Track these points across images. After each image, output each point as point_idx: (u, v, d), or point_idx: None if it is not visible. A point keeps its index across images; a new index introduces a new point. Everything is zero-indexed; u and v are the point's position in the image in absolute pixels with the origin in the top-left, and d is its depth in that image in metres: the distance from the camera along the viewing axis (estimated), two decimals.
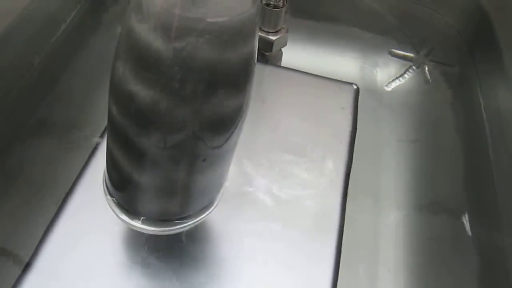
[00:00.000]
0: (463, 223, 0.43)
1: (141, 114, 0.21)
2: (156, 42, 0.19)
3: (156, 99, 0.20)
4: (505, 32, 0.47)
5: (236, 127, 0.22)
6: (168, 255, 0.31)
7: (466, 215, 0.43)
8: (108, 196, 0.27)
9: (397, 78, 0.54)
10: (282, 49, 0.45)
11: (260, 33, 0.43)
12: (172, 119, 0.21)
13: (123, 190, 0.26)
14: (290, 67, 0.43)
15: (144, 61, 0.20)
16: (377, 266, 0.41)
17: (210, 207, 0.28)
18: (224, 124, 0.22)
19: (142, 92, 0.20)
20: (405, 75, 0.54)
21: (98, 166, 0.34)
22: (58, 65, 0.48)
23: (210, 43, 0.19)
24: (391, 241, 0.42)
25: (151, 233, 0.28)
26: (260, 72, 0.43)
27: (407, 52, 0.55)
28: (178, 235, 0.32)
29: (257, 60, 0.44)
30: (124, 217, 0.27)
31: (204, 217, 0.28)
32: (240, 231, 0.33)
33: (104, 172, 0.27)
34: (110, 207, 0.28)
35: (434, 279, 0.41)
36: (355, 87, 0.42)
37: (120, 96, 0.21)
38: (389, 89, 0.53)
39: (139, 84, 0.20)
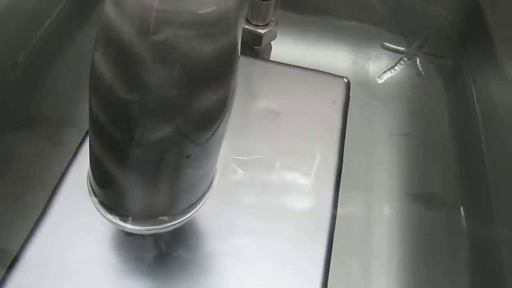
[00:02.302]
0: (456, 216, 0.43)
1: (121, 110, 0.20)
2: (134, 36, 0.18)
3: (136, 95, 0.20)
4: (499, 24, 0.47)
5: (221, 122, 0.22)
6: (157, 253, 0.31)
7: (460, 208, 0.43)
8: (93, 197, 0.27)
9: (388, 70, 0.53)
10: (272, 43, 0.45)
11: (249, 27, 0.42)
12: (153, 115, 0.20)
13: (107, 190, 0.26)
14: (280, 61, 0.43)
15: (122, 56, 0.19)
16: (370, 261, 0.41)
17: (199, 204, 0.27)
18: (208, 119, 0.21)
19: (121, 87, 0.20)
20: (397, 67, 0.53)
21: (85, 163, 0.33)
22: (44, 61, 0.47)
23: (190, 36, 0.18)
24: (384, 236, 0.42)
25: (138, 232, 0.27)
26: (249, 66, 0.42)
27: (399, 45, 0.54)
28: (167, 233, 0.31)
29: (246, 54, 0.44)
30: (110, 216, 0.27)
31: (193, 214, 0.27)
32: (230, 227, 0.32)
33: (88, 171, 0.26)
34: (95, 207, 0.27)
35: (427, 273, 0.40)
36: (346, 80, 0.41)
37: (99, 92, 0.21)
38: (381, 81, 0.53)
39: (118, 79, 0.20)
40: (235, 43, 0.20)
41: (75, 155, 0.34)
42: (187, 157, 0.22)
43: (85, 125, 0.36)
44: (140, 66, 0.19)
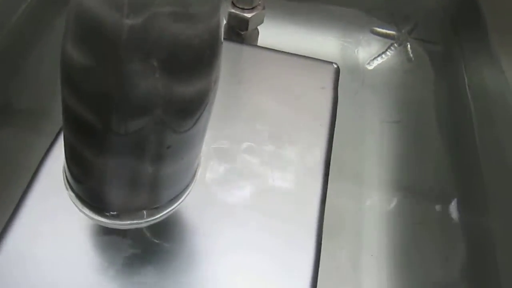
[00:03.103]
0: (448, 206, 0.42)
1: (96, 99, 0.19)
2: (107, 20, 0.17)
3: (112, 82, 0.18)
4: (491, 8, 0.46)
5: (203, 111, 0.20)
6: (141, 248, 0.30)
7: (451, 197, 0.42)
8: (70, 191, 0.25)
9: (379, 55, 0.52)
10: (259, 28, 0.43)
11: (234, 10, 0.40)
12: (130, 104, 0.19)
13: (84, 183, 0.24)
14: (267, 46, 0.41)
15: (95, 40, 0.18)
16: (360, 252, 0.40)
17: (182, 196, 0.26)
18: (190, 107, 0.20)
19: (95, 74, 0.18)
20: (387, 53, 0.52)
21: (62, 155, 0.32)
22: (21, 48, 0.45)
23: (169, 19, 0.17)
24: (375, 226, 0.41)
25: (118, 227, 0.26)
26: (236, 52, 0.40)
27: (389, 30, 0.53)
28: (150, 227, 0.30)
29: (232, 40, 0.42)
30: (88, 211, 0.25)
31: (176, 207, 0.26)
32: (216, 219, 0.31)
33: (64, 164, 0.25)
34: (72, 201, 0.25)
35: (418, 263, 0.40)
36: (335, 66, 0.40)
37: (71, 81, 0.19)
38: (371, 67, 0.51)
39: (91, 65, 0.18)
40: (218, 27, 0.18)
41: (51, 146, 0.32)
42: (168, 147, 0.20)
43: None
44: (115, 52, 0.17)
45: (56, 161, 0.31)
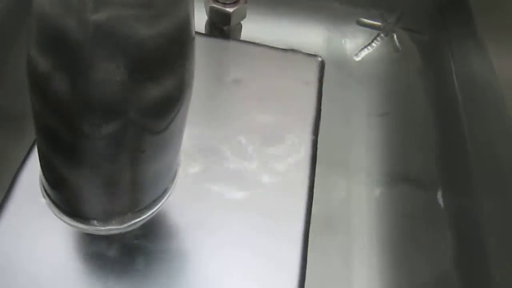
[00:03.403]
0: (437, 197, 0.42)
1: (62, 103, 0.18)
2: (69, 19, 0.16)
3: (77, 86, 0.17)
4: None
5: (177, 112, 0.20)
6: (125, 252, 0.29)
7: (440, 188, 0.42)
8: (47, 199, 0.24)
9: (365, 47, 0.51)
10: (242, 22, 0.42)
11: (216, 5, 0.40)
12: (98, 107, 0.18)
13: (60, 190, 0.23)
14: (251, 41, 0.41)
15: (58, 44, 0.17)
16: (350, 245, 0.39)
17: (162, 198, 0.25)
18: (162, 110, 0.19)
19: (59, 79, 0.17)
20: (373, 44, 0.51)
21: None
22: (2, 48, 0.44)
23: (135, 15, 0.16)
24: (364, 218, 0.41)
25: (96, 233, 0.25)
26: (218, 47, 0.40)
27: (375, 20, 0.52)
28: (131, 232, 0.29)
29: (214, 35, 0.41)
30: (66, 218, 0.24)
31: (157, 210, 0.26)
32: (201, 218, 0.31)
33: (40, 172, 0.24)
34: (50, 209, 0.25)
35: (409, 255, 0.39)
36: (319, 59, 0.39)
37: (37, 86, 0.18)
38: (358, 59, 0.51)
39: (56, 71, 0.17)
40: (187, 23, 0.18)
41: (28, 153, 0.32)
42: (142, 152, 0.20)
43: None
44: (79, 53, 0.17)
45: (34, 168, 0.31)
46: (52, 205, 0.25)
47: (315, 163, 0.34)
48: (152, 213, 0.25)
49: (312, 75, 0.38)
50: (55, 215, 0.25)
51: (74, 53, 0.17)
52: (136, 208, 0.24)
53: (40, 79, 0.18)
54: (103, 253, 0.29)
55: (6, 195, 0.30)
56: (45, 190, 0.24)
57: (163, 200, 0.25)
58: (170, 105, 0.19)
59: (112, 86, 0.17)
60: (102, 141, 0.19)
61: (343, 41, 0.52)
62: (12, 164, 0.35)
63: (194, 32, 0.19)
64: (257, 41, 0.40)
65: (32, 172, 0.31)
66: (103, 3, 0.16)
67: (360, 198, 0.42)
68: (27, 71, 0.19)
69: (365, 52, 0.51)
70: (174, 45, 0.18)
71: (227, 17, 0.40)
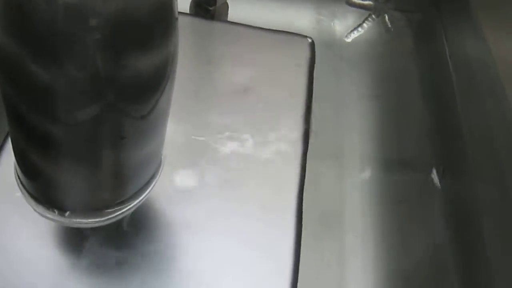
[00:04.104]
0: (432, 178, 0.41)
1: (35, 87, 0.16)
2: None
3: (51, 67, 0.16)
4: None
5: (160, 94, 0.18)
6: (110, 245, 0.27)
7: (435, 172, 0.41)
8: (23, 190, 0.23)
9: (355, 28, 0.50)
10: (228, 2, 0.40)
11: None
12: (74, 89, 0.16)
13: (36, 181, 0.22)
14: (238, 21, 0.39)
15: (27, 21, 0.15)
16: (344, 232, 0.38)
17: (146, 189, 0.24)
18: (144, 91, 0.17)
19: (31, 60, 0.16)
20: (364, 25, 0.50)
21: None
22: None
23: None
24: (358, 204, 0.40)
25: (77, 226, 0.24)
26: (204, 29, 0.38)
27: (366, 0, 0.51)
28: (117, 222, 0.28)
29: (200, 16, 0.39)
30: (43, 210, 0.23)
31: (140, 201, 0.24)
32: (191, 208, 0.29)
33: (14, 164, 0.23)
34: (26, 201, 0.23)
35: (404, 242, 0.38)
36: (309, 40, 0.37)
37: (5, 69, 0.17)
38: (348, 40, 0.49)
39: (26, 51, 0.16)
40: None
41: (4, 141, 0.30)
42: (121, 138, 0.18)
43: None
44: (51, 29, 0.15)
45: (8, 161, 0.29)
46: (29, 198, 0.23)
47: (307, 147, 0.32)
48: (135, 204, 0.24)
49: (302, 57, 0.36)
50: (33, 208, 0.23)
51: (45, 33, 0.15)
52: (118, 200, 0.23)
53: (9, 62, 0.16)
54: (83, 245, 0.27)
55: None
56: (21, 183, 0.23)
57: (147, 191, 0.24)
58: (153, 86, 0.17)
59: (88, 66, 0.16)
60: (80, 127, 0.18)
61: (332, 23, 0.50)
62: None
63: (176, 10, 0.17)
64: (244, 22, 0.39)
65: (5, 166, 0.29)
66: None
67: (352, 182, 0.41)
68: None
69: (355, 34, 0.50)
70: (156, 19, 0.16)
71: None
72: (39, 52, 0.16)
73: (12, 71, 0.17)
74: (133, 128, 0.18)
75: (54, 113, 0.17)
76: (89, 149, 0.19)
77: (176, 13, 0.17)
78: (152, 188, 0.24)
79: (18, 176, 0.23)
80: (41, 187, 0.22)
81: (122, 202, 0.23)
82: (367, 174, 0.41)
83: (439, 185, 0.40)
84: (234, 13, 0.42)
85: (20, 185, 0.23)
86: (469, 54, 0.42)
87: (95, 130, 0.18)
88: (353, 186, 0.41)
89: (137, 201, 0.23)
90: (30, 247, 0.27)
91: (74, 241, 0.27)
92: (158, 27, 0.16)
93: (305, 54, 0.36)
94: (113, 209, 0.23)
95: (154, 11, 0.16)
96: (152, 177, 0.23)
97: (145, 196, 0.24)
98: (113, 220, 0.24)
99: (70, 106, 0.17)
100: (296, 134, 0.33)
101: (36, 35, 0.15)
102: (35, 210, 0.23)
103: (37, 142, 0.19)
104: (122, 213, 0.23)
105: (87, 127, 0.18)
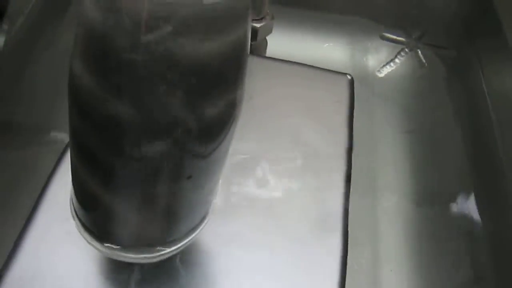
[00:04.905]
0: (469, 216, 0.40)
1: (108, 123, 0.17)
2: (121, 38, 0.15)
3: (125, 106, 0.16)
4: (507, 8, 0.44)
5: (227, 134, 0.18)
6: (158, 282, 0.27)
7: (474, 207, 0.40)
8: (77, 221, 0.23)
9: (388, 63, 0.50)
10: (267, 38, 0.41)
11: None
12: (146, 127, 0.16)
13: (92, 214, 0.22)
14: (276, 57, 0.39)
15: (106, 62, 0.15)
16: (380, 266, 0.38)
17: (198, 227, 0.24)
18: (213, 131, 0.18)
19: (106, 99, 0.16)
20: (397, 60, 0.50)
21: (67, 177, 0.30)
22: (19, 61, 0.42)
23: (191, 34, 0.15)
24: (392, 239, 0.39)
25: (127, 261, 0.23)
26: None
27: (399, 35, 0.51)
28: (170, 259, 0.27)
29: None
30: (96, 244, 0.23)
31: (191, 239, 0.24)
32: (236, 243, 0.29)
33: (71, 193, 0.23)
34: (79, 232, 0.23)
35: (438, 277, 0.38)
36: (349, 77, 0.38)
37: (80, 103, 0.17)
38: (381, 75, 0.49)
39: (103, 90, 0.16)
40: (245, 41, 0.16)
41: (54, 170, 0.30)
42: (188, 177, 0.18)
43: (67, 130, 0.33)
44: (130, 73, 0.15)
45: (61, 185, 0.29)
46: (81, 228, 0.23)
47: (350, 184, 0.32)
48: (185, 243, 0.24)
49: (342, 94, 0.36)
50: (84, 238, 0.23)
51: (122, 72, 0.15)
52: (171, 238, 0.23)
53: (84, 96, 0.17)
54: (130, 279, 0.27)
55: (31, 215, 0.28)
56: (75, 211, 0.23)
57: (198, 230, 0.24)
58: (222, 126, 0.18)
59: (162, 107, 0.16)
60: (143, 162, 0.18)
61: (365, 58, 0.51)
62: (35, 180, 0.34)
63: (248, 49, 0.17)
64: (281, 56, 0.39)
65: (59, 189, 0.29)
66: (159, 21, 0.14)
67: (388, 217, 0.40)
68: (68, 84, 0.17)
69: (388, 68, 0.50)
70: (231, 65, 0.16)
71: (254, 32, 0.38)
72: (115, 89, 0.16)
73: (84, 104, 0.17)
74: (199, 166, 0.18)
75: (120, 147, 0.17)
76: (152, 187, 0.19)
77: (248, 51, 0.18)
78: (204, 226, 0.24)
79: (74, 205, 0.23)
80: (95, 218, 0.23)
81: (174, 241, 0.23)
82: (402, 208, 0.41)
83: (476, 220, 0.40)
84: (272, 48, 0.42)
85: (74, 213, 0.23)
86: (508, 89, 0.42)
87: (161, 167, 0.18)
88: (389, 221, 0.40)
89: (188, 239, 0.23)
90: (78, 277, 0.27)
91: (122, 275, 0.27)
92: (233, 68, 0.16)
93: (345, 91, 0.37)
94: (163, 247, 0.23)
95: (231, 54, 0.16)
96: (205, 215, 0.23)
97: (197, 234, 0.24)
98: (163, 257, 0.24)
99: (140, 142, 0.17)
100: (338, 170, 0.33)
101: (115, 72, 0.16)
102: (85, 240, 0.23)
103: (99, 174, 0.19)
104: (172, 251, 0.23)
105: (153, 164, 0.18)
